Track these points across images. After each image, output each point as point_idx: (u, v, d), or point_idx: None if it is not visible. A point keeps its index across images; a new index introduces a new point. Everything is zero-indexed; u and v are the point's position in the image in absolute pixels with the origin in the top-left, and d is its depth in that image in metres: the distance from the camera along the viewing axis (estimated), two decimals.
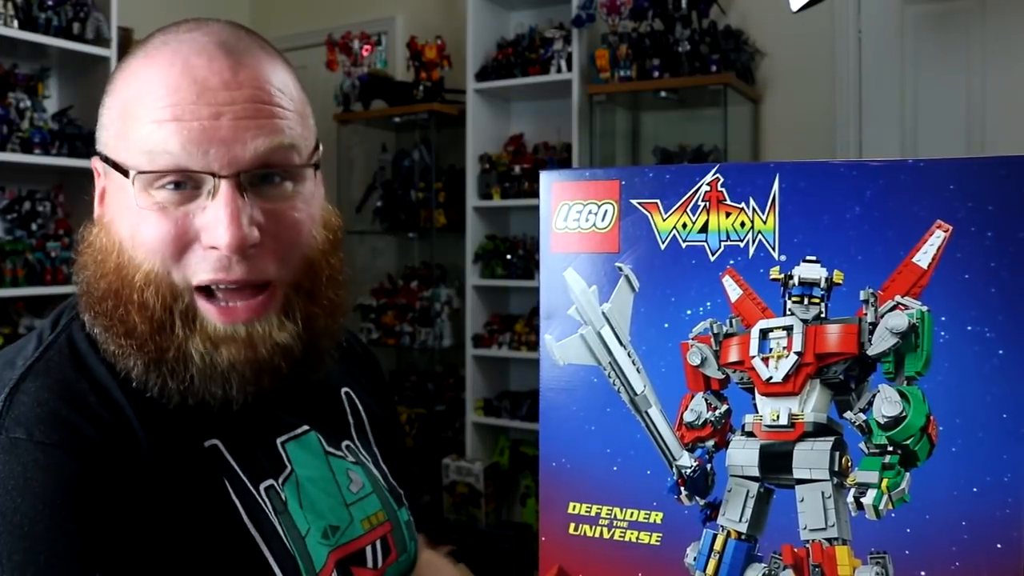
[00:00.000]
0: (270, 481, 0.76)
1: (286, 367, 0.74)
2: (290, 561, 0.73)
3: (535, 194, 3.17)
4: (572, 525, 0.66)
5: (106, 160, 0.73)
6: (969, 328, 0.57)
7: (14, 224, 2.91)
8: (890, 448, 0.58)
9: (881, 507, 0.58)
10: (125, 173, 0.69)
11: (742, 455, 0.62)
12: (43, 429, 0.65)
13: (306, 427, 0.82)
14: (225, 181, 0.68)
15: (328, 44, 3.71)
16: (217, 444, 0.74)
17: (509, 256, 3.39)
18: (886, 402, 0.58)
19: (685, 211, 0.63)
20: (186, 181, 0.69)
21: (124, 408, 0.70)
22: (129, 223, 0.70)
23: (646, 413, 0.64)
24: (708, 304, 0.63)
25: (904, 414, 0.58)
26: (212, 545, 0.70)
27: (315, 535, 0.77)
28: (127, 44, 3.21)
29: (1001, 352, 0.56)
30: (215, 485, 0.72)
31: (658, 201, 0.64)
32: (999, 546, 0.56)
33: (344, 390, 0.91)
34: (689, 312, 0.63)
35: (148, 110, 0.68)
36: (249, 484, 0.74)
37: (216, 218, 0.68)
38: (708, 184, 0.63)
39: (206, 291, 0.71)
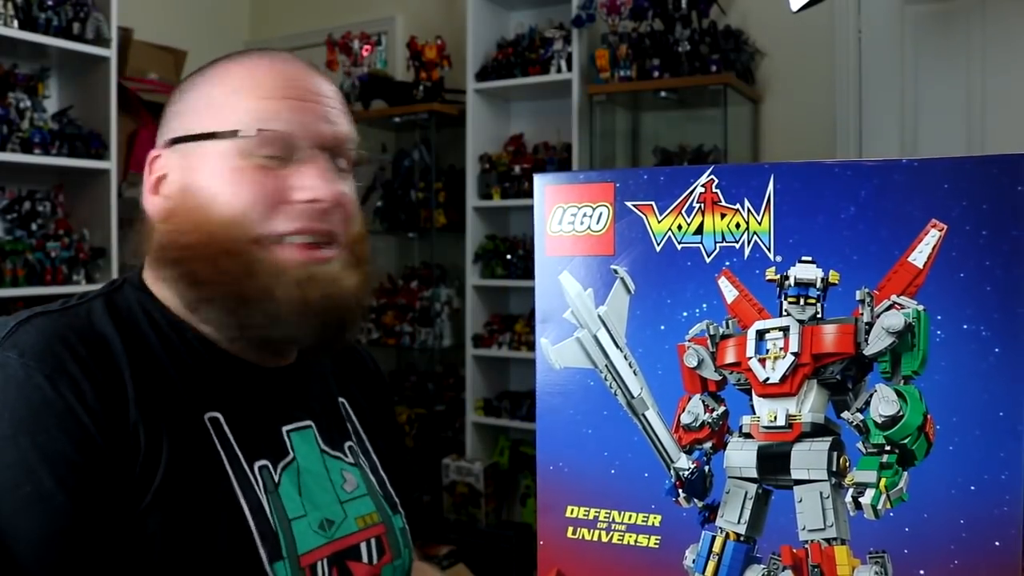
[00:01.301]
0: (264, 461, 0.80)
1: (351, 315, 0.83)
2: (272, 536, 0.76)
3: None
4: (570, 528, 0.66)
5: (191, 138, 0.81)
6: (965, 327, 0.57)
7: (14, 224, 2.89)
8: (888, 447, 0.58)
9: (879, 506, 0.58)
10: (231, 135, 0.79)
11: (740, 456, 0.62)
12: (33, 353, 0.72)
13: (308, 422, 0.87)
14: (319, 150, 0.81)
15: (328, 44, 3.70)
16: (219, 417, 0.79)
17: (509, 256, 3.39)
18: (883, 401, 0.58)
19: (680, 213, 0.63)
20: (284, 149, 0.79)
21: (120, 362, 0.75)
22: (224, 182, 0.79)
23: (643, 416, 0.64)
24: (704, 306, 0.63)
25: (901, 413, 0.58)
26: (196, 507, 0.73)
27: (312, 523, 0.81)
28: (127, 44, 3.21)
29: (997, 350, 0.56)
30: (208, 452, 0.76)
31: (653, 203, 0.64)
32: (997, 544, 0.56)
33: (340, 400, 0.95)
34: (685, 314, 0.63)
35: (254, 91, 0.80)
36: (243, 458, 0.78)
37: (316, 176, 0.79)
38: (703, 186, 0.63)
39: (283, 242, 0.79)
